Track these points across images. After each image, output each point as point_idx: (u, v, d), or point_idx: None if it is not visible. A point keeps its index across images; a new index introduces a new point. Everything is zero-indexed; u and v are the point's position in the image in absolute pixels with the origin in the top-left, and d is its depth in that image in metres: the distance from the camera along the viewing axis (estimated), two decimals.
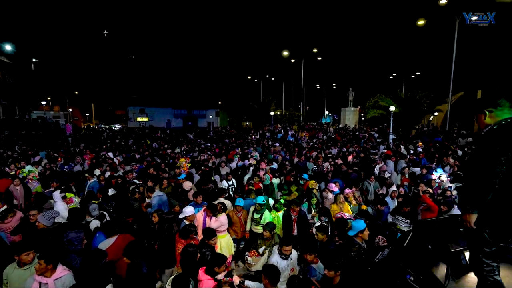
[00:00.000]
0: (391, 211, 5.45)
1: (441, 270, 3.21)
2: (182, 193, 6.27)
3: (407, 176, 8.23)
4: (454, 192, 6.52)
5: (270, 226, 4.50)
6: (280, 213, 5.34)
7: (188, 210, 4.58)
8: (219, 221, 4.80)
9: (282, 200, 5.83)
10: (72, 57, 49.93)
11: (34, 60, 30.29)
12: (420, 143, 14.34)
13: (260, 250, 4.33)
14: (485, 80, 24.58)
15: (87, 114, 56.97)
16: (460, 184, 7.15)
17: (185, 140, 19.06)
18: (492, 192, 2.09)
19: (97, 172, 8.05)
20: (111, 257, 3.27)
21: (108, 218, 4.91)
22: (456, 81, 20.04)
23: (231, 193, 7.11)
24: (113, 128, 43.66)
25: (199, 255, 3.42)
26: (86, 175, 7.08)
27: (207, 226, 4.92)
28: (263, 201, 5.25)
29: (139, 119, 52.09)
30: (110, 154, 11.17)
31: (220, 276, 3.11)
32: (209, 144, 16.46)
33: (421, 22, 18.88)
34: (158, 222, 4.47)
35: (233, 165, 9.70)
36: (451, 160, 9.79)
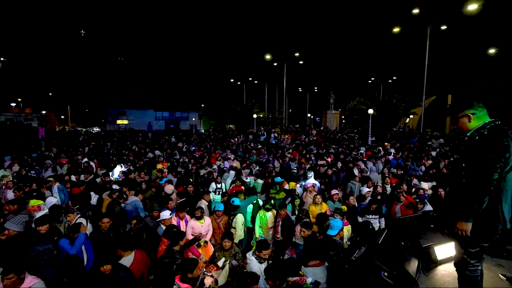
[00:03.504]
0: (359, 212, 5.61)
1: (413, 265, 3.36)
2: (165, 197, 6.15)
3: (386, 175, 8.45)
4: (430, 191, 6.84)
5: (229, 235, 4.24)
6: (268, 214, 5.32)
7: (164, 213, 4.51)
8: (206, 225, 4.87)
9: (272, 201, 5.84)
10: (45, 57, 47.60)
11: (1, 59, 28.56)
12: (386, 143, 15.10)
13: (220, 263, 3.96)
14: (455, 84, 26.16)
15: (62, 117, 54.36)
16: (435, 183, 7.49)
17: (166, 143, 18.69)
18: (488, 199, 2.07)
19: (73, 177, 7.72)
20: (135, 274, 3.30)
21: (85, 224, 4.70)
22: (429, 86, 21.11)
23: (215, 196, 7.00)
24: (91, 131, 41.90)
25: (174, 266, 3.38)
26: (51, 179, 6.73)
27: (195, 231, 4.88)
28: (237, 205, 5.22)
29: (119, 121, 50.48)
30: (85, 160, 10.70)
31: None
32: (193, 148, 16.24)
33: (396, 30, 19.79)
34: (137, 229, 4.33)
35: (215, 167, 9.65)
36: (429, 162, 10.23)
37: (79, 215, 4.73)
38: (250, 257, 3.74)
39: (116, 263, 3.26)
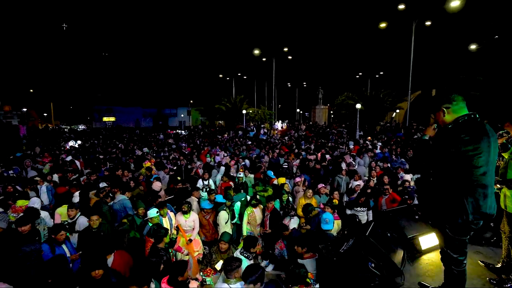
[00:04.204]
0: (347, 205, 5.72)
1: (399, 255, 3.47)
2: (153, 195, 6.06)
3: (373, 169, 8.62)
4: (412, 183, 7.04)
5: (226, 237, 4.10)
6: (256, 210, 5.32)
7: (151, 212, 4.42)
8: (190, 220, 4.83)
9: (258, 196, 5.84)
10: (26, 51, 45.57)
11: None
12: (369, 137, 15.46)
13: (218, 266, 3.82)
14: (439, 79, 26.88)
15: (45, 114, 52.38)
16: (419, 176, 7.69)
17: (154, 140, 18.43)
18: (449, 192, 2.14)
19: (55, 177, 7.50)
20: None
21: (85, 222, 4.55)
22: (414, 81, 21.58)
23: (202, 193, 6.96)
24: (76, 129, 40.65)
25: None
26: (38, 179, 6.53)
27: (179, 225, 4.84)
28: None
29: (105, 119, 49.23)
30: (69, 158, 10.38)
31: None
32: (185, 144, 16.09)
33: (382, 25, 20.04)
34: (119, 231, 4.22)
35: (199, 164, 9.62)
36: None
37: (80, 213, 4.68)
38: (239, 256, 3.71)
39: (107, 268, 3.19)
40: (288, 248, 4.54)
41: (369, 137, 15.67)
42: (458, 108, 2.17)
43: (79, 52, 51.06)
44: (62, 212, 4.89)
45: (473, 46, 18.41)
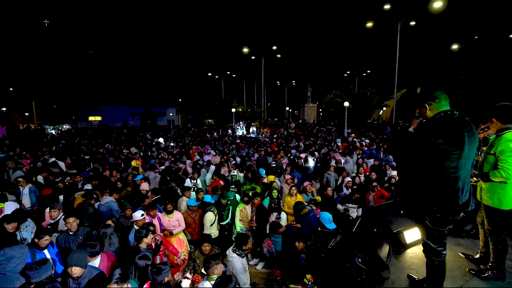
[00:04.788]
0: (340, 200, 5.82)
1: (384, 250, 3.56)
2: (140, 195, 5.96)
3: (361, 166, 8.79)
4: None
5: (207, 239, 4.04)
6: (248, 206, 5.37)
7: (136, 214, 4.31)
8: (174, 220, 4.81)
9: (250, 193, 5.87)
10: (5, 48, 43.61)
11: None
12: (353, 135, 15.82)
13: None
14: (424, 78, 27.61)
15: (26, 114, 50.41)
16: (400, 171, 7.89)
17: (142, 140, 18.13)
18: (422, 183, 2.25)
19: (40, 178, 7.27)
20: None
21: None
22: (400, 79, 22.09)
23: (193, 192, 6.92)
24: (60, 129, 39.36)
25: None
26: (20, 179, 6.31)
27: (162, 226, 4.80)
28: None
29: (91, 118, 48.03)
30: (53, 159, 10.04)
31: None
32: (173, 144, 15.91)
33: (369, 25, 20.39)
34: (102, 234, 4.10)
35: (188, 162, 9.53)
36: None
37: (62, 214, 4.53)
38: (231, 254, 3.68)
39: (89, 266, 3.12)
40: (283, 244, 4.57)
41: (353, 134, 16.01)
42: (440, 105, 2.25)
43: (62, 49, 49.33)
44: None
45: (455, 46, 19.03)
